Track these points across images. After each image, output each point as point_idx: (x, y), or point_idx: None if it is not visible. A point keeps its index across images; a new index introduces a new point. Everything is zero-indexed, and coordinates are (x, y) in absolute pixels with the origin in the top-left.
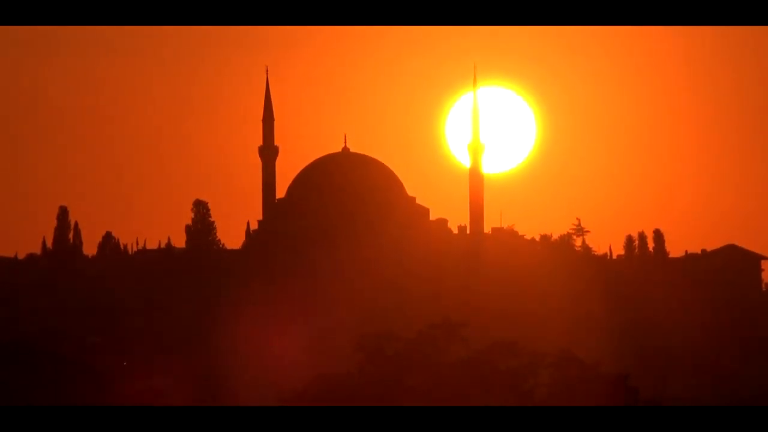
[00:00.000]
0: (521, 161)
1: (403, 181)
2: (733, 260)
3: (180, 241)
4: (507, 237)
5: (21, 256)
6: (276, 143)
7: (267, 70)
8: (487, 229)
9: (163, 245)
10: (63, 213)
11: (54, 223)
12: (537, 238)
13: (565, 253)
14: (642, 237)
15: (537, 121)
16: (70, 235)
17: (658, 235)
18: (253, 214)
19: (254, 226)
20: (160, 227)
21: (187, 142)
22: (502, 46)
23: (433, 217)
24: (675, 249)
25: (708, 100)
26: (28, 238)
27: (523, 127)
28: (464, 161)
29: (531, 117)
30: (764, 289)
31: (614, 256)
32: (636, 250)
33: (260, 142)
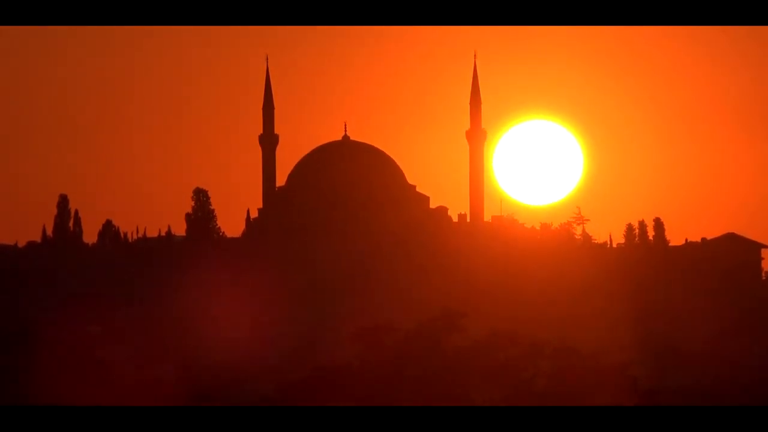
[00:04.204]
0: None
1: (403, 170)
2: (733, 249)
3: (180, 229)
4: (507, 225)
5: (21, 244)
6: (276, 131)
7: (267, 59)
8: (487, 218)
9: (163, 233)
10: (63, 201)
11: (54, 211)
12: (537, 227)
13: (565, 242)
14: (642, 225)
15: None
16: (71, 223)
17: (659, 224)
18: (253, 202)
19: (254, 214)
20: (160, 215)
21: (187, 131)
22: (500, 40)
23: (433, 205)
24: (675, 237)
25: (708, 89)
26: (29, 226)
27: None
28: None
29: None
30: (764, 278)
31: (614, 245)
32: (636, 239)
33: (260, 131)
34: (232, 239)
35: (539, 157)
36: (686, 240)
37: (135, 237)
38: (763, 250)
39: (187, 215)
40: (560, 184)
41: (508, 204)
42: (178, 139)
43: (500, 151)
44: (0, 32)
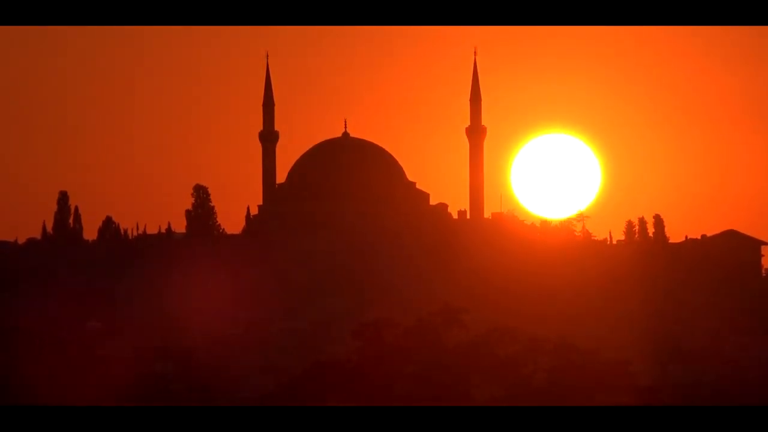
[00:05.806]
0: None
1: (403, 167)
2: (733, 245)
3: (180, 226)
4: (507, 222)
5: (21, 240)
6: (276, 128)
7: (267, 55)
8: (487, 215)
9: (163, 230)
10: (63, 198)
11: (54, 207)
12: (537, 224)
13: (565, 239)
14: (642, 222)
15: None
16: (71, 220)
17: (659, 221)
18: (253, 199)
19: (254, 211)
20: (161, 212)
21: (188, 128)
22: (500, 37)
23: (433, 202)
24: (675, 234)
25: (708, 87)
26: (29, 222)
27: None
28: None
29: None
30: (764, 275)
31: (614, 242)
32: (636, 236)
33: (260, 127)
34: (232, 236)
35: (555, 171)
36: (686, 237)
37: (135, 234)
38: (763, 247)
39: (187, 212)
40: (576, 198)
41: (509, 202)
42: (179, 136)
43: (517, 166)
44: (0, 32)
